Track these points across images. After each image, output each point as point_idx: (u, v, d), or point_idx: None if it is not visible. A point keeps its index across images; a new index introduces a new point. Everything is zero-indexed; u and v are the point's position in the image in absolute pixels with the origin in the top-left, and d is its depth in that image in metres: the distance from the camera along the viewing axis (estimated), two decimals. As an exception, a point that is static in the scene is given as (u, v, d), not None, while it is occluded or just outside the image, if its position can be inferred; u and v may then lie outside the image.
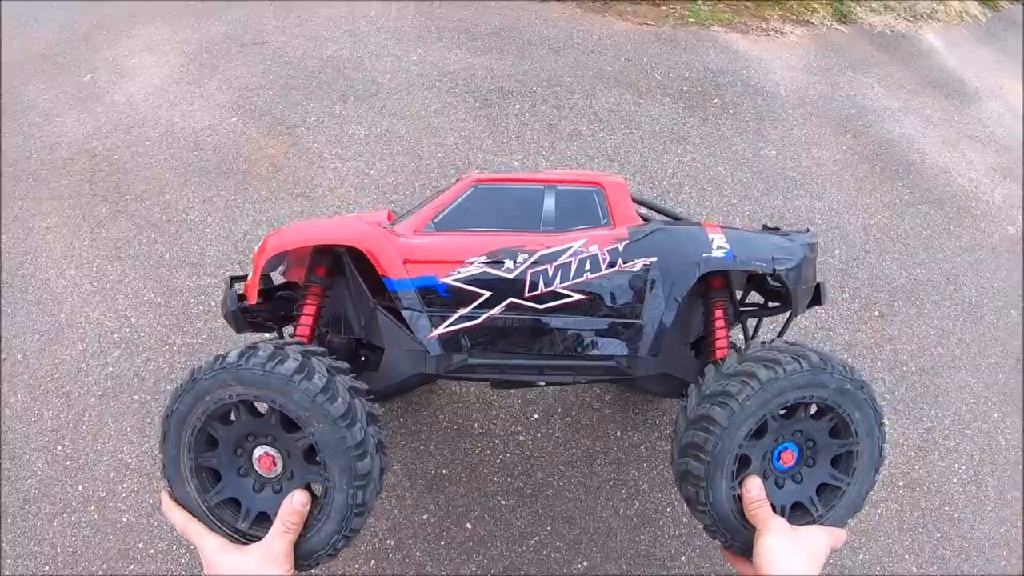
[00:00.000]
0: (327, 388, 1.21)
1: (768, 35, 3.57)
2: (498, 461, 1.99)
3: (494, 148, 2.73)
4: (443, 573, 1.82)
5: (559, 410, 2.07)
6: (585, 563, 1.86)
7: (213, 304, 2.23)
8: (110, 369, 2.11)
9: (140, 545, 1.85)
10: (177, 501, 1.28)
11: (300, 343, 1.34)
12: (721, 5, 3.67)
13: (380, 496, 1.87)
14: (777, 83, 3.21)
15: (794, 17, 3.76)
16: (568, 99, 2.95)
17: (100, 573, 1.81)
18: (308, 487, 1.28)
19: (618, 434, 2.04)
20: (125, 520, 1.88)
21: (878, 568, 1.94)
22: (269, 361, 1.21)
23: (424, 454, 1.98)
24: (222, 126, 2.77)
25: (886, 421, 2.16)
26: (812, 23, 3.78)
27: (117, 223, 2.46)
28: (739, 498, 1.30)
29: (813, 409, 1.33)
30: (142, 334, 2.18)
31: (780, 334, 1.68)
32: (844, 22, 3.89)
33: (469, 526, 1.89)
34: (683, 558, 1.88)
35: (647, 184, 2.65)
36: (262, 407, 1.26)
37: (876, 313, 2.43)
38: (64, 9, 3.47)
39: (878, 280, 2.53)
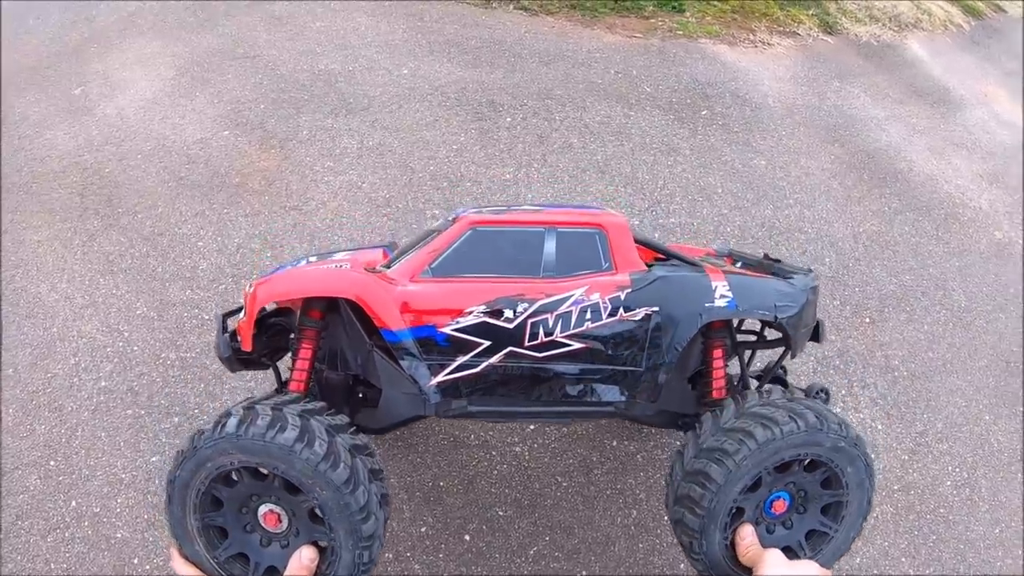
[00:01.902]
0: (328, 454, 1.21)
1: (755, 46, 3.61)
2: (495, 472, 1.98)
3: (485, 161, 2.74)
4: (442, 585, 1.82)
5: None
6: (584, 573, 1.86)
7: (206, 318, 2.22)
8: (103, 383, 2.10)
9: (135, 561, 1.82)
10: (187, 558, 1.28)
11: (298, 398, 1.34)
12: (708, 18, 3.72)
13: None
14: (765, 94, 3.25)
15: (781, 28, 3.82)
16: (559, 111, 2.97)
17: (95, 590, 1.79)
18: (315, 542, 1.28)
19: (614, 443, 2.04)
20: (120, 536, 1.86)
21: (875, 571, 1.95)
22: (269, 430, 1.20)
23: (421, 466, 1.97)
24: (214, 139, 2.76)
25: (879, 426, 2.19)
26: (798, 34, 3.83)
27: (109, 236, 2.45)
28: (731, 545, 1.32)
29: (807, 461, 1.34)
30: (135, 348, 2.17)
31: (775, 365, 1.68)
32: (830, 33, 3.95)
33: (467, 538, 1.88)
34: (681, 566, 1.88)
35: (638, 196, 2.67)
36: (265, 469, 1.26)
37: (867, 319, 2.45)
38: (56, 22, 3.45)
39: (868, 287, 2.55)
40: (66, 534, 1.86)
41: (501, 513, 1.92)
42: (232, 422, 1.22)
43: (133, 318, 2.23)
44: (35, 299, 2.29)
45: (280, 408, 1.26)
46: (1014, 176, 3.21)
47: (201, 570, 1.27)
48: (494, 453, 2.01)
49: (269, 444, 1.19)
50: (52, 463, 1.96)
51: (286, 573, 1.23)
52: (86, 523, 1.87)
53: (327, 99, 2.94)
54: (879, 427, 2.20)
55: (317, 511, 1.23)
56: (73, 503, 1.90)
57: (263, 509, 1.27)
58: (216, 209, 2.52)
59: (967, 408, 2.32)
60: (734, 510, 1.29)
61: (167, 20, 3.39)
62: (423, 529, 1.88)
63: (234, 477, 1.27)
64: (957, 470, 2.18)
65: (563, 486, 1.98)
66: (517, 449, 2.02)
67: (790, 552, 1.34)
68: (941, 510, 2.09)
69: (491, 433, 2.04)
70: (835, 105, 3.32)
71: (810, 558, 1.34)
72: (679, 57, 3.33)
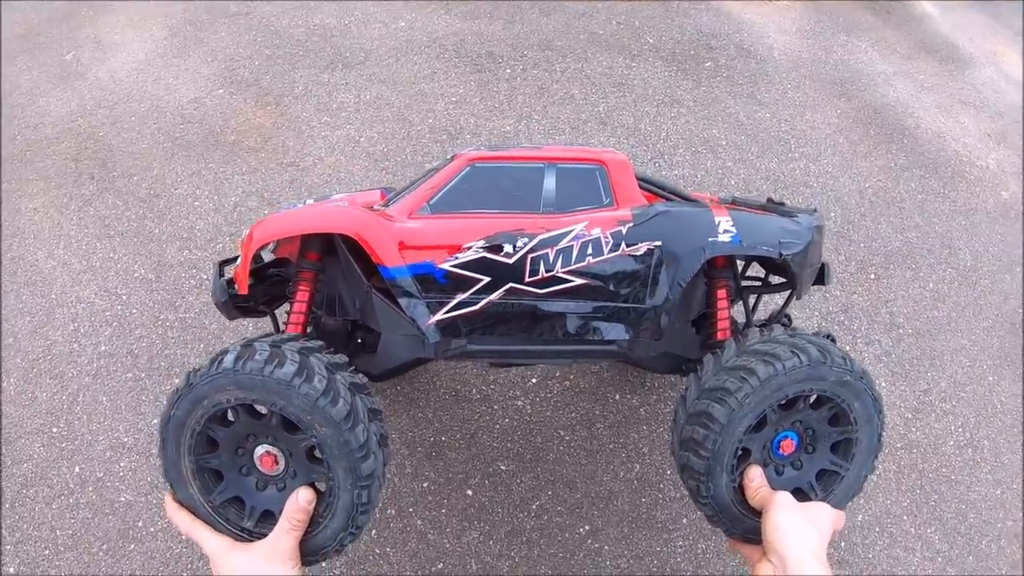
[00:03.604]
0: (328, 390, 1.18)
1: (761, -2, 3.52)
2: (497, 427, 1.98)
3: (485, 113, 2.69)
4: (445, 541, 1.83)
5: (557, 374, 2.07)
6: (587, 527, 1.87)
7: (204, 278, 2.20)
8: (103, 348, 2.09)
9: (140, 524, 1.84)
10: (181, 503, 1.26)
11: (296, 337, 1.31)
12: (713, -31, 3.60)
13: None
14: (771, 46, 3.17)
15: (787, -20, 3.70)
16: (559, 63, 2.90)
17: (101, 553, 1.80)
18: (312, 484, 1.26)
19: (617, 397, 2.04)
20: (124, 499, 1.87)
21: (877, 528, 1.96)
22: (267, 365, 1.17)
23: (423, 422, 1.97)
24: (208, 98, 2.71)
25: (883, 383, 2.18)
26: (805, -14, 3.72)
27: (105, 200, 2.42)
28: (739, 488, 1.30)
29: (812, 399, 1.32)
30: (134, 311, 2.16)
31: (781, 310, 1.66)
32: (837, -15, 3.83)
33: (470, 493, 1.89)
34: (684, 520, 1.89)
35: (641, 148, 2.62)
36: (262, 407, 1.23)
37: (872, 276, 2.43)
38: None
39: (874, 243, 2.52)
40: (70, 500, 1.87)
41: (503, 468, 1.93)
42: (229, 358, 1.19)
43: (131, 281, 2.22)
44: (32, 267, 2.27)
45: (278, 345, 1.23)
46: (1022, 136, 3.15)
47: (195, 515, 1.26)
48: (496, 407, 2.01)
49: (267, 379, 1.16)
50: (55, 430, 1.97)
51: (283, 515, 1.21)
52: (90, 488, 1.88)
53: (322, 54, 2.88)
54: (883, 384, 2.19)
55: (315, 450, 1.22)
56: (76, 469, 1.91)
57: (259, 450, 1.25)
58: (212, 168, 2.48)
59: (971, 368, 2.31)
60: (740, 451, 1.28)
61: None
62: (425, 484, 1.89)
63: (230, 417, 1.25)
64: (960, 430, 2.18)
65: (566, 440, 1.98)
66: (519, 403, 2.02)
67: (801, 494, 1.32)
68: (943, 469, 2.10)
69: (493, 387, 2.03)
70: (842, 59, 3.24)
71: (822, 499, 1.32)
72: (683, 8, 3.24)
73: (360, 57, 2.87)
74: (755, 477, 1.28)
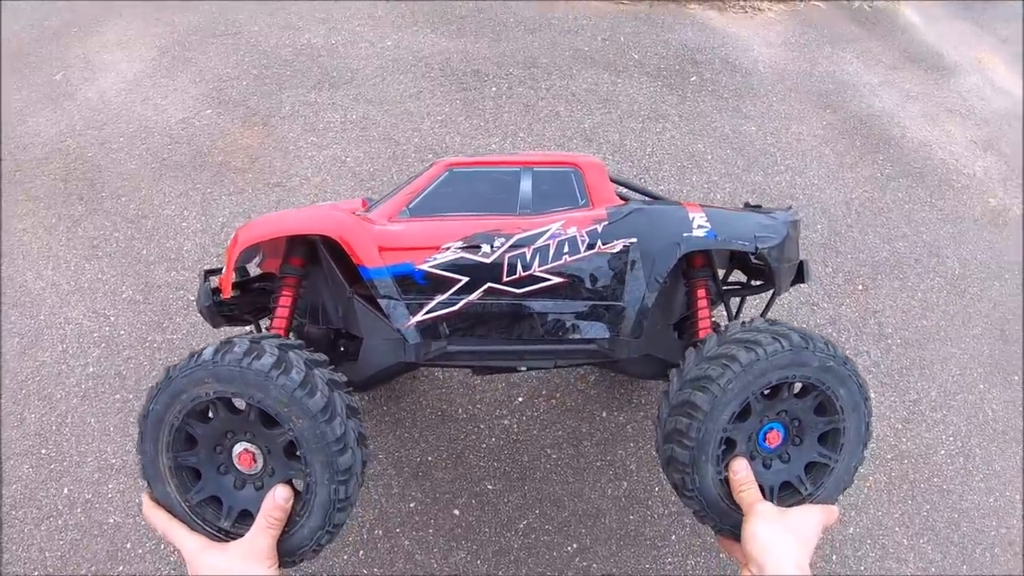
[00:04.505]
0: (305, 383, 1.18)
1: (745, 12, 3.54)
2: (484, 446, 1.98)
3: (471, 132, 2.70)
4: (432, 561, 1.82)
5: (543, 392, 2.07)
6: (575, 545, 1.86)
7: (192, 299, 2.20)
8: (91, 369, 2.09)
9: (128, 545, 1.83)
10: (158, 502, 1.25)
11: (277, 336, 1.31)
12: (698, -18, 3.64)
13: (366, 486, 1.88)
14: (756, 59, 3.20)
15: (771, -7, 3.74)
16: (545, 80, 2.92)
17: (89, 575, 1.80)
18: (290, 482, 1.25)
19: (603, 414, 2.04)
20: (112, 521, 1.86)
21: (869, 541, 1.95)
22: (245, 357, 1.17)
23: (409, 441, 1.97)
24: (196, 119, 2.73)
25: (872, 394, 2.17)
26: (790, -1, 3.75)
27: (93, 221, 2.43)
28: (726, 481, 1.28)
29: (797, 388, 1.31)
30: (122, 332, 2.16)
31: (763, 313, 1.67)
32: (822, -3, 3.88)
33: (457, 512, 1.89)
34: (673, 537, 1.89)
35: (626, 164, 2.63)
36: (240, 403, 1.23)
37: (860, 287, 2.43)
38: (36, 7, 3.39)
39: (861, 254, 2.53)
40: (59, 522, 1.86)
41: (490, 487, 1.92)
42: (208, 351, 1.19)
43: (119, 302, 2.22)
44: (21, 287, 2.27)
45: (258, 341, 1.23)
46: (1008, 143, 3.16)
47: (172, 514, 1.24)
48: (482, 426, 2.00)
49: (245, 371, 1.16)
50: (43, 451, 1.96)
51: (260, 513, 1.20)
52: (79, 510, 1.88)
53: (310, 73, 2.90)
54: (873, 395, 2.18)
55: (293, 447, 1.21)
56: (65, 490, 1.91)
57: (238, 448, 1.24)
58: (200, 189, 2.49)
59: (961, 376, 2.31)
60: (724, 440, 1.26)
61: (147, 0, 3.32)
62: (412, 505, 1.88)
63: (209, 414, 1.24)
64: (951, 439, 2.17)
65: (552, 458, 1.97)
66: (506, 422, 2.01)
67: (790, 488, 1.32)
68: (935, 479, 2.09)
69: (479, 407, 2.03)
70: (827, 71, 3.26)
71: (811, 493, 1.31)
72: (667, 23, 3.27)
73: (347, 77, 2.88)
74: (740, 469, 1.26)
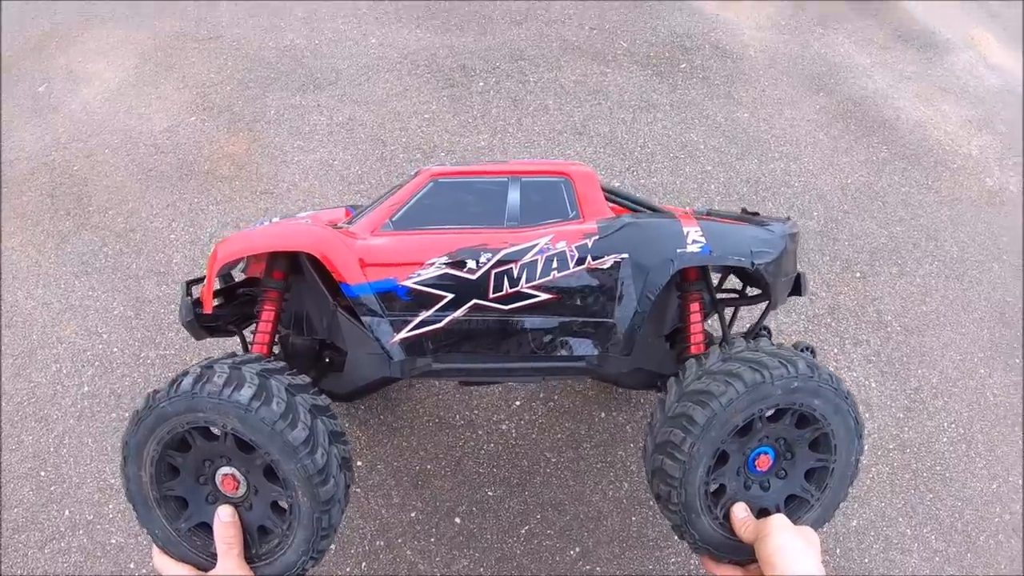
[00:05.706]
0: (287, 413, 1.17)
1: (735, -7, 3.48)
2: (482, 452, 1.97)
3: (459, 129, 2.67)
4: (435, 570, 1.82)
5: (541, 395, 2.05)
6: (578, 548, 1.86)
7: (183, 313, 2.18)
8: (86, 388, 2.08)
9: (131, 565, 1.83)
10: (155, 537, 1.28)
11: (259, 358, 1.30)
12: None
13: (366, 497, 1.88)
14: (746, 44, 3.15)
15: (761, -26, 3.67)
16: (533, 73, 2.88)
17: (93, 597, 1.80)
18: (276, 503, 1.26)
19: (602, 415, 2.03)
20: (114, 541, 1.86)
21: (872, 532, 1.95)
22: (225, 388, 1.16)
23: (407, 450, 1.96)
24: (181, 127, 2.69)
25: (873, 384, 2.16)
26: (780, -21, 3.68)
27: (81, 236, 2.40)
28: (725, 519, 1.29)
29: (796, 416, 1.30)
30: (115, 350, 2.14)
31: (758, 322, 1.64)
32: (812, -24, 3.80)
33: (458, 520, 1.88)
34: (675, 537, 1.88)
35: (618, 156, 2.60)
36: (216, 430, 1.23)
37: (858, 274, 2.41)
38: (16, 18, 3.33)
39: (858, 240, 2.50)
40: (62, 544, 1.87)
41: (491, 493, 1.91)
42: (188, 380, 1.18)
43: (111, 319, 2.20)
44: (12, 308, 2.25)
45: (239, 367, 1.22)
46: (1003, 121, 3.11)
47: (164, 541, 1.28)
48: (480, 432, 1.99)
49: (224, 403, 1.15)
50: (43, 473, 1.96)
51: (216, 541, 1.22)
52: (81, 531, 1.88)
53: (294, 75, 2.85)
54: (873, 385, 2.18)
55: (272, 467, 1.21)
56: (67, 512, 1.90)
57: (220, 474, 1.25)
58: (187, 199, 2.46)
59: (962, 362, 2.29)
60: (719, 455, 1.26)
61: (127, 6, 3.26)
62: (413, 515, 1.88)
63: (188, 441, 1.24)
64: (953, 426, 2.16)
65: (552, 462, 1.96)
66: (504, 427, 2.00)
67: (796, 499, 1.32)
68: (938, 467, 2.08)
69: (477, 412, 2.02)
70: (819, 53, 3.21)
71: (819, 498, 1.32)
72: (655, 10, 3.21)
73: (331, 77, 2.84)
74: (740, 512, 1.27)
